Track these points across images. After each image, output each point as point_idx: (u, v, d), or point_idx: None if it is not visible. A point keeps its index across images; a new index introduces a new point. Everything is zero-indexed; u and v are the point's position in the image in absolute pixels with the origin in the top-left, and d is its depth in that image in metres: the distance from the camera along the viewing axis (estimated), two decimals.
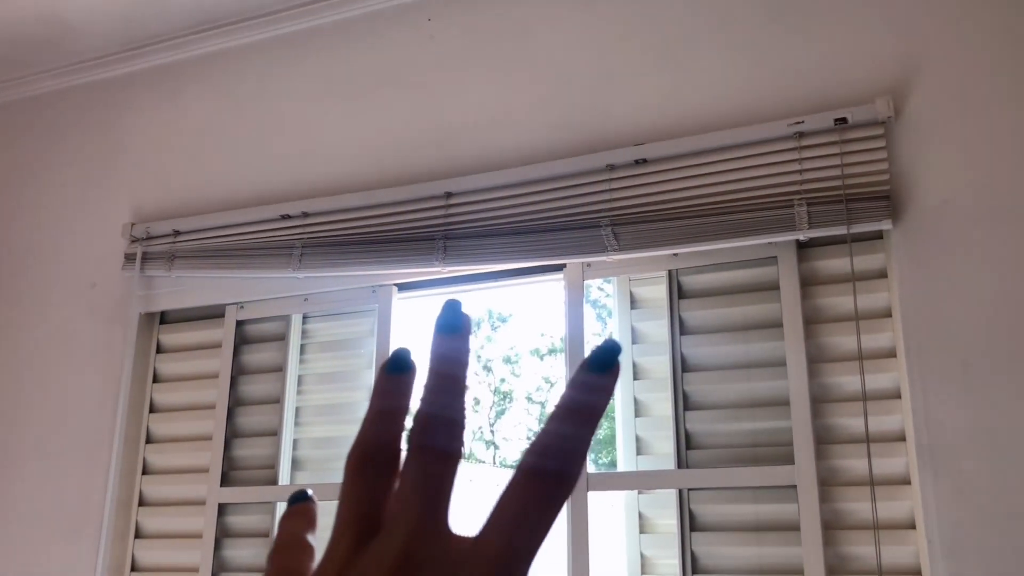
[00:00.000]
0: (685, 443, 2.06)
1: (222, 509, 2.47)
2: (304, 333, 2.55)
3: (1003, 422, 1.75)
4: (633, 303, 2.23)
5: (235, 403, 2.56)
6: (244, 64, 2.83)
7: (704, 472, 2.01)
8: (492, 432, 18.91)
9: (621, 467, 2.14)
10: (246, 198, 2.66)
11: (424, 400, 0.32)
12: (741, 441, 2.02)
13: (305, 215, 2.48)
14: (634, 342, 2.20)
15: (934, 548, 1.74)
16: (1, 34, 2.91)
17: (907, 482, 1.84)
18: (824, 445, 1.92)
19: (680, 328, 2.13)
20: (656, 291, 2.20)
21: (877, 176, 1.91)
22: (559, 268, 2.25)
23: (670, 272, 2.16)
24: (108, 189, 2.92)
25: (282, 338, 2.55)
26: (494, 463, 17.76)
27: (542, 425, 0.32)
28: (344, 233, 2.42)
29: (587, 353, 0.50)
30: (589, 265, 2.21)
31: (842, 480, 1.90)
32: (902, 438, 1.87)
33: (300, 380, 2.52)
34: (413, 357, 0.34)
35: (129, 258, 2.71)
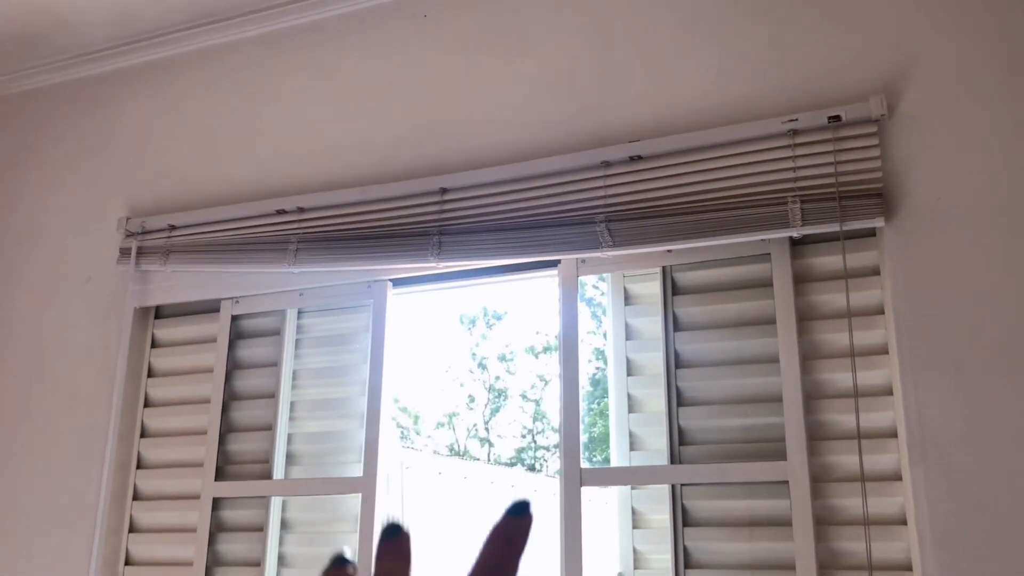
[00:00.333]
0: (678, 439, 2.07)
1: (216, 503, 2.47)
2: (299, 328, 2.56)
3: (994, 418, 1.77)
4: (627, 299, 2.24)
5: (230, 398, 2.56)
6: (239, 59, 2.83)
7: (697, 468, 2.02)
8: (487, 429, 18.92)
9: (614, 462, 2.15)
10: (241, 193, 2.66)
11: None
12: (734, 437, 2.03)
13: (300, 210, 2.48)
14: (628, 338, 2.21)
15: (925, 543, 1.75)
16: None
17: (898, 478, 1.86)
18: (816, 441, 1.93)
19: (674, 324, 2.14)
20: (650, 287, 2.20)
21: (870, 174, 1.92)
22: (553, 264, 2.25)
23: (664, 268, 2.17)
24: (103, 184, 2.92)
25: (277, 333, 2.56)
26: (488, 460, 17.77)
27: (478, 550, 0.37)
28: (339, 228, 2.42)
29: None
30: (583, 261, 2.22)
31: (834, 476, 1.91)
32: (894, 434, 1.88)
33: (295, 375, 2.53)
34: (405, 525, 0.36)
35: (124, 252, 2.71)
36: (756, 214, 1.98)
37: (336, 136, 2.59)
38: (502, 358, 19.35)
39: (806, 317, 2.01)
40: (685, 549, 2.01)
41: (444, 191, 2.32)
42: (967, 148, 1.91)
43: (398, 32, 2.60)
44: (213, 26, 2.84)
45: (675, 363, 2.11)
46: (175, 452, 2.59)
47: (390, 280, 2.42)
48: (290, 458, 2.47)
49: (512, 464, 17.86)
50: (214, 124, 2.80)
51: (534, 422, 18.70)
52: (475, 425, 18.93)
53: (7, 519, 2.70)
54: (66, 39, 2.98)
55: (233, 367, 2.59)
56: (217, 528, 2.47)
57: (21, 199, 3.07)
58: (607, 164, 2.17)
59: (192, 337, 2.67)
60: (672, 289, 2.16)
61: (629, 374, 2.19)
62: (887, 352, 1.92)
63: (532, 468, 17.71)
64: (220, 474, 2.50)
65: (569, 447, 2.12)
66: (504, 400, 19.04)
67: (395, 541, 0.35)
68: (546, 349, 18.73)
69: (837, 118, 1.96)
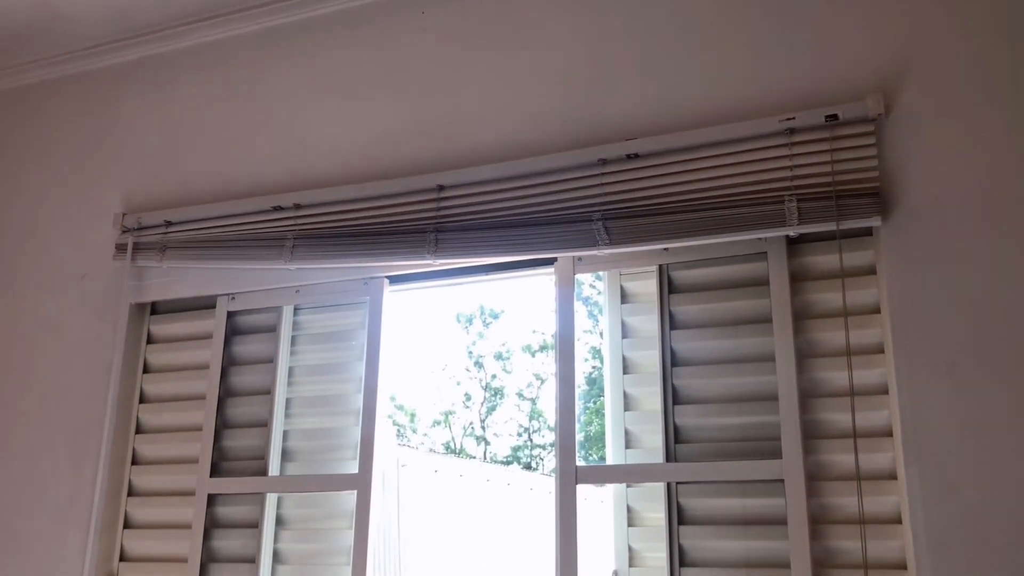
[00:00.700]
0: (674, 437, 2.07)
1: (212, 499, 2.47)
2: (295, 325, 2.55)
3: (989, 418, 1.77)
4: (624, 297, 2.24)
5: (225, 394, 2.56)
6: (236, 55, 2.82)
7: (692, 466, 2.02)
8: (483, 427, 18.92)
9: (610, 460, 2.15)
10: (238, 189, 2.66)
11: None
12: (729, 435, 2.03)
13: (297, 207, 2.48)
14: (624, 336, 2.21)
15: (920, 543, 1.76)
16: None
17: (893, 477, 1.86)
18: (812, 440, 1.93)
19: (670, 323, 2.14)
20: (646, 286, 2.21)
21: (867, 173, 1.92)
22: (550, 262, 2.25)
23: (660, 267, 2.17)
24: (99, 179, 2.91)
25: (273, 329, 2.55)
26: (484, 458, 17.78)
27: None
28: (336, 225, 2.42)
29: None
30: (580, 259, 2.22)
31: (829, 475, 1.91)
32: (889, 433, 1.88)
33: (291, 371, 2.52)
34: None
35: (120, 248, 2.71)
36: (753, 213, 1.98)
37: (333, 132, 2.59)
38: (498, 356, 19.35)
39: (802, 316, 2.01)
40: (680, 547, 2.01)
41: (441, 188, 2.32)
42: (964, 147, 1.91)
43: (395, 29, 2.60)
44: (210, 22, 2.84)
45: (671, 361, 2.11)
46: (171, 448, 2.59)
47: (386, 277, 2.42)
48: (286, 454, 2.47)
49: (508, 462, 17.87)
50: (211, 120, 2.80)
51: (530, 420, 18.72)
52: (471, 423, 18.94)
53: (3, 514, 2.69)
54: (62, 34, 2.97)
55: (229, 363, 2.58)
56: (212, 524, 2.47)
57: (16, 195, 3.06)
58: (604, 162, 2.17)
59: (188, 333, 2.67)
60: (668, 287, 2.16)
61: (625, 372, 2.19)
62: (883, 351, 1.92)
63: (528, 466, 17.73)
64: (215, 470, 2.49)
65: (565, 445, 2.13)
66: (500, 398, 19.04)
67: None
68: (542, 347, 18.73)
69: (834, 117, 1.96)
